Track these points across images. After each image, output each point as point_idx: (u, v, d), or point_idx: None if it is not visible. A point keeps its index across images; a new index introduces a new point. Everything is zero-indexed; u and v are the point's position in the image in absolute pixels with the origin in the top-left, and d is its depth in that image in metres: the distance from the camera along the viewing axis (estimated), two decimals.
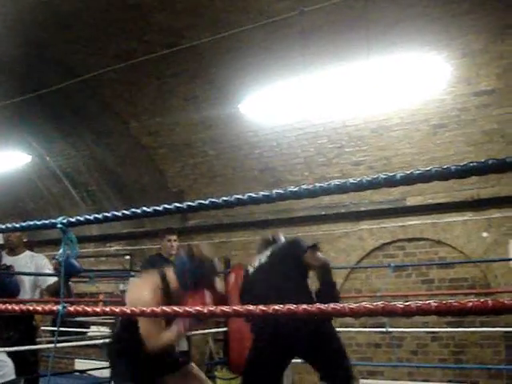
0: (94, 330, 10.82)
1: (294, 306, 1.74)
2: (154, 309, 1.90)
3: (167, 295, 3.55)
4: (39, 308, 2.41)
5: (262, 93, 6.81)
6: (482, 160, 1.62)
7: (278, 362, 4.38)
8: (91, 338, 9.41)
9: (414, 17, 6.71)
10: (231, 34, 7.07)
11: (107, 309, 2.09)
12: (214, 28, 7.31)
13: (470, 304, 1.60)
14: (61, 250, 2.17)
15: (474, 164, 1.64)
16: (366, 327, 8.06)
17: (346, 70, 6.36)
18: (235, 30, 7.02)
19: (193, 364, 3.98)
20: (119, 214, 2.04)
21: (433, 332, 7.63)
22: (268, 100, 6.76)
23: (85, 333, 10.59)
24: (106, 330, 10.74)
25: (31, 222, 2.38)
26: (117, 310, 2.10)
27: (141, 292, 3.48)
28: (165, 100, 8.87)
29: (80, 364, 10.59)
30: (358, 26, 6.66)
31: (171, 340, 3.52)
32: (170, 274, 3.64)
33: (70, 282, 10.21)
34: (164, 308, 1.90)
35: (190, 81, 8.42)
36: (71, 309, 2.10)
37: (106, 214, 2.08)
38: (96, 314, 2.19)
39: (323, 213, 8.69)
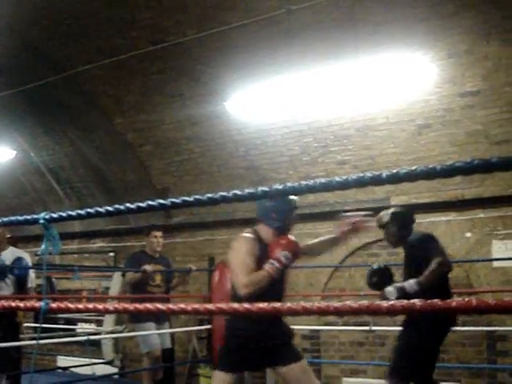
0: (80, 327, 10.79)
1: (279, 304, 1.73)
2: (126, 305, 1.89)
3: (261, 247, 3.79)
4: (21, 304, 2.38)
5: (247, 91, 6.80)
6: (467, 160, 1.63)
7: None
8: (74, 335, 9.37)
9: (401, 17, 6.73)
10: (217, 31, 7.06)
11: (90, 305, 2.07)
12: (200, 25, 7.30)
13: (454, 303, 1.60)
14: (43, 246, 2.14)
15: (460, 164, 1.64)
16: (349, 326, 8.08)
17: (332, 69, 6.37)
18: (222, 27, 7.01)
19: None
20: (102, 210, 2.03)
21: None
22: (254, 98, 6.76)
23: (67, 329, 10.55)
24: (92, 327, 10.72)
25: (13, 218, 2.35)
26: (100, 306, 2.09)
27: (236, 244, 3.79)
28: (150, 97, 8.83)
29: (63, 361, 10.54)
30: (346, 25, 6.67)
31: (260, 280, 3.59)
32: (259, 226, 3.93)
33: (53, 279, 10.17)
34: (138, 306, 1.89)
35: (175, 78, 8.39)
36: (54, 305, 2.08)
37: (89, 210, 2.06)
38: (79, 311, 2.17)
39: (308, 211, 8.68)
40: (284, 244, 3.72)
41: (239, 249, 3.77)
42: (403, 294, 4.30)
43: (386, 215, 5.02)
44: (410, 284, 4.37)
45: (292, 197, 3.95)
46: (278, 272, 3.65)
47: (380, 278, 5.01)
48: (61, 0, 7.36)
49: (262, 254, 3.76)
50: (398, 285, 4.46)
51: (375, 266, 5.26)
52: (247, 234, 3.88)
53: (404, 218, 4.99)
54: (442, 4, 6.51)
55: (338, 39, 6.92)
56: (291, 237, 3.86)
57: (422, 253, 4.63)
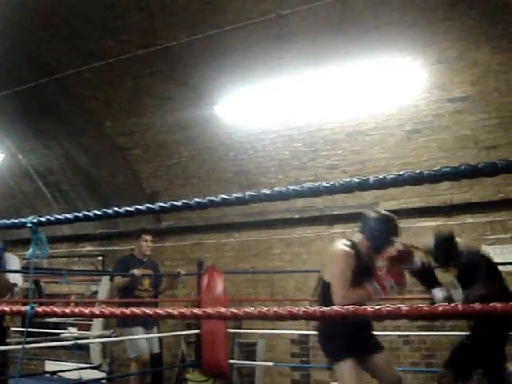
0: (68, 332, 10.73)
1: (265, 308, 1.73)
2: (113, 310, 1.88)
3: (359, 260, 4.05)
4: (7, 308, 2.36)
5: (237, 95, 6.80)
6: (455, 166, 1.63)
7: None
8: (61, 340, 9.32)
9: (391, 23, 6.75)
10: (208, 35, 7.06)
11: (76, 310, 2.06)
12: (190, 29, 7.29)
13: (441, 308, 1.61)
14: (30, 250, 2.13)
15: (447, 169, 1.65)
16: None
17: (322, 73, 6.38)
18: (212, 31, 7.01)
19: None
20: (90, 214, 2.02)
21: (404, 336, 7.66)
22: (244, 102, 6.76)
23: (55, 334, 10.49)
24: (80, 332, 10.65)
25: (1, 221, 2.34)
26: (86, 311, 2.08)
27: (337, 258, 4.02)
28: (140, 100, 8.81)
29: (50, 365, 10.47)
30: (336, 30, 6.69)
31: (359, 298, 3.79)
32: (359, 239, 4.14)
33: (41, 283, 10.12)
34: (124, 310, 1.88)
35: (165, 81, 8.38)
36: (40, 309, 2.07)
37: (77, 214, 2.05)
38: (65, 315, 2.16)
39: (297, 216, 8.70)
40: (396, 274, 3.96)
41: (341, 261, 4.01)
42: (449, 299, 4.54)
43: (429, 244, 5.16)
44: (458, 294, 4.60)
45: (397, 222, 4.16)
46: (378, 299, 3.86)
47: (424, 279, 5.15)
48: (50, 3, 7.33)
49: (358, 265, 4.05)
50: (446, 294, 4.69)
51: (416, 266, 5.32)
52: (347, 248, 4.07)
53: (448, 247, 5.09)
54: (432, 10, 6.53)
55: (328, 44, 6.94)
56: (404, 271, 4.16)
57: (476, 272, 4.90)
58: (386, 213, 4.18)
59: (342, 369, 4.06)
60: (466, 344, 5.10)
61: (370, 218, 4.14)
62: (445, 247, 5.03)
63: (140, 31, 7.66)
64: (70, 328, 10.89)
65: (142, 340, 6.63)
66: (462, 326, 7.09)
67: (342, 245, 4.08)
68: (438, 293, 4.69)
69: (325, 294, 4.09)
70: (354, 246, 4.11)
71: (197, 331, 7.78)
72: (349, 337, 3.99)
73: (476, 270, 4.81)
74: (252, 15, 6.84)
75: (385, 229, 4.07)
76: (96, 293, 10.52)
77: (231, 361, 8.05)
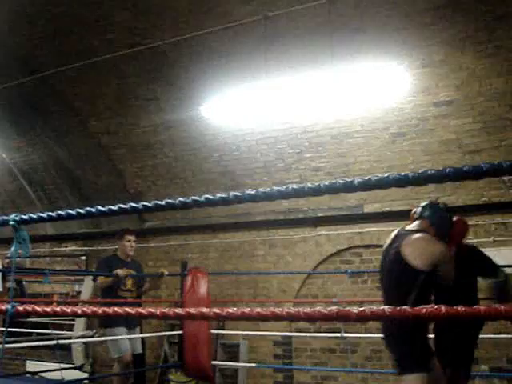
0: (51, 332, 10.65)
1: (249, 309, 1.72)
2: (95, 309, 1.86)
3: None
4: None
5: (223, 96, 6.79)
6: (439, 168, 1.63)
7: None
8: (42, 339, 9.25)
9: (377, 26, 6.78)
10: (194, 35, 7.05)
11: (57, 308, 2.04)
12: (176, 29, 7.28)
13: (424, 310, 1.61)
14: (12, 248, 2.11)
15: (432, 172, 1.65)
16: (320, 332, 8.09)
17: (308, 75, 6.38)
18: (198, 32, 7.00)
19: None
20: (73, 212, 2.01)
21: None
22: (229, 103, 6.74)
23: (37, 334, 10.41)
24: (63, 332, 10.58)
25: None
26: (67, 309, 2.06)
27: (442, 245, 4.08)
28: (125, 100, 8.77)
29: (32, 366, 10.39)
30: (322, 32, 6.70)
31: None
32: (424, 226, 4.26)
33: (23, 282, 10.05)
34: (107, 309, 1.87)
35: (151, 81, 8.35)
36: (21, 308, 2.05)
37: (60, 212, 2.04)
38: (46, 314, 2.14)
39: (281, 217, 8.71)
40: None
41: (446, 251, 4.15)
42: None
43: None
44: None
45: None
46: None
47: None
48: (36, 1, 7.29)
49: None
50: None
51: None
52: (431, 236, 4.19)
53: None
54: (418, 14, 6.56)
55: (314, 46, 6.95)
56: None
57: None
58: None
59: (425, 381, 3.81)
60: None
61: (435, 207, 4.39)
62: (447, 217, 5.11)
63: (126, 31, 7.63)
64: (51, 328, 10.81)
65: (124, 340, 6.60)
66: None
67: (426, 234, 4.17)
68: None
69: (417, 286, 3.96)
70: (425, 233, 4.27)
71: (180, 332, 7.76)
72: (427, 344, 4.02)
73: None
74: (238, 16, 6.84)
75: (448, 219, 4.40)
76: (80, 293, 10.46)
77: (214, 362, 8.04)
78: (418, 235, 4.09)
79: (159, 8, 7.23)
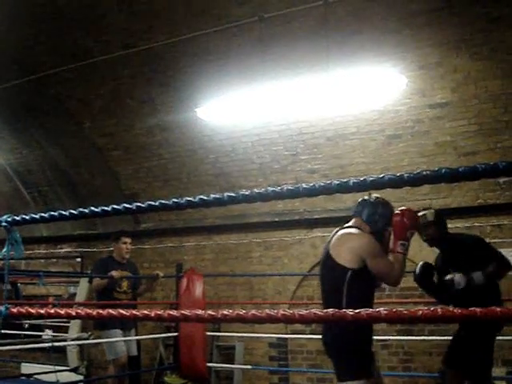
0: (46, 334, 10.62)
1: (244, 311, 1.71)
2: (89, 311, 1.85)
3: None
4: None
5: (219, 97, 6.78)
6: (435, 169, 1.63)
7: None
8: (37, 342, 9.22)
9: (372, 28, 6.78)
10: (189, 37, 7.04)
11: (52, 310, 2.03)
12: (172, 31, 7.27)
13: (420, 312, 1.60)
14: (4, 250, 2.10)
15: (427, 172, 1.64)
16: (316, 334, 8.07)
17: (304, 77, 6.38)
18: (194, 33, 6.99)
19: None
20: (66, 213, 1.99)
21: (382, 340, 7.67)
22: (225, 105, 6.73)
23: (32, 336, 10.38)
24: (58, 334, 10.55)
25: None
26: (62, 311, 2.05)
27: (366, 238, 3.84)
28: (120, 101, 8.76)
29: (27, 368, 10.34)
30: (318, 34, 6.69)
31: (403, 264, 3.79)
32: (358, 223, 4.01)
33: (18, 284, 10.00)
34: (101, 312, 1.86)
35: (146, 83, 8.34)
36: (14, 310, 2.03)
37: (53, 213, 2.02)
38: (41, 316, 2.12)
39: (277, 219, 8.70)
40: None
41: (374, 245, 3.84)
42: (469, 283, 4.44)
43: (430, 214, 5.11)
44: (478, 275, 4.52)
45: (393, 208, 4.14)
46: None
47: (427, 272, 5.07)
48: (31, 2, 7.27)
49: None
50: (465, 275, 4.60)
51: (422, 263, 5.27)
52: (360, 231, 3.95)
53: (444, 218, 5.11)
54: (413, 16, 6.57)
55: (310, 48, 6.95)
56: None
57: (482, 253, 4.82)
58: (379, 196, 4.16)
59: None
60: (461, 338, 5.03)
61: (365, 202, 4.11)
62: (443, 221, 5.06)
63: (121, 32, 7.61)
64: (46, 330, 10.78)
65: (119, 342, 6.58)
66: (440, 330, 7.15)
67: (353, 229, 3.98)
68: (461, 278, 4.63)
69: (346, 285, 3.77)
70: (361, 230, 4.01)
71: (175, 334, 7.75)
72: (370, 349, 3.85)
73: (482, 256, 4.80)
74: (234, 18, 6.83)
75: (384, 212, 4.06)
76: (75, 295, 10.43)
77: (210, 364, 8.02)
78: (343, 231, 3.94)
79: (155, 9, 7.22)
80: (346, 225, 4.06)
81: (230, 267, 9.11)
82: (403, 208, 4.00)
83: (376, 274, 3.76)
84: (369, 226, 4.01)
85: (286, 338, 8.40)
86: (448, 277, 4.72)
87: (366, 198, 4.14)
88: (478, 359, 4.83)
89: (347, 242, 3.84)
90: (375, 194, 4.14)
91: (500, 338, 5.45)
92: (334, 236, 3.95)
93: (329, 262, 3.84)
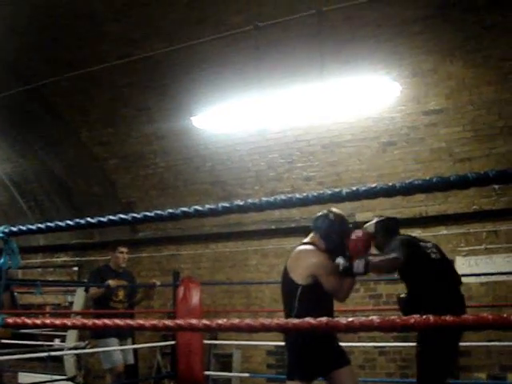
0: (44, 343, 10.58)
1: (238, 320, 1.73)
2: (85, 321, 1.87)
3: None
4: None
5: (215, 106, 6.80)
6: (428, 178, 1.65)
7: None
8: (34, 351, 9.19)
9: (367, 36, 6.82)
10: (185, 46, 7.06)
11: (47, 321, 2.04)
12: (168, 39, 7.29)
13: (413, 320, 1.61)
14: (1, 260, 2.11)
15: (419, 182, 1.66)
16: None
17: (299, 85, 6.40)
18: (189, 42, 7.01)
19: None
20: (63, 224, 2.01)
21: (380, 347, 7.68)
22: (221, 113, 6.75)
23: (30, 345, 10.35)
24: (55, 343, 10.53)
25: None
26: (58, 322, 2.06)
27: (318, 257, 4.00)
28: (117, 110, 8.78)
29: (24, 377, 10.31)
30: (313, 42, 6.71)
31: (351, 283, 3.97)
32: (315, 239, 4.13)
33: (15, 293, 9.99)
34: (97, 321, 1.87)
35: (142, 91, 8.36)
36: (10, 320, 2.04)
37: (49, 224, 2.04)
38: (37, 326, 2.13)
39: (273, 227, 8.70)
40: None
41: (326, 263, 4.00)
42: (348, 271, 4.21)
43: (370, 226, 5.00)
44: (358, 265, 4.23)
45: (350, 227, 4.21)
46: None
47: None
48: (27, 11, 7.29)
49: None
50: (346, 263, 4.30)
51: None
52: (315, 249, 4.09)
53: (387, 225, 4.91)
54: (407, 24, 6.61)
55: (304, 56, 6.97)
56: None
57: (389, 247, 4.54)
58: (338, 211, 4.20)
59: None
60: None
61: (322, 218, 4.16)
62: (385, 229, 4.78)
63: (118, 41, 7.64)
64: (44, 339, 10.75)
65: (116, 351, 6.58)
66: None
67: (308, 246, 4.09)
68: (339, 259, 4.32)
69: (297, 299, 4.00)
70: (315, 246, 4.12)
71: (172, 342, 7.74)
72: (315, 356, 4.08)
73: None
74: (229, 27, 6.86)
75: (340, 230, 4.10)
76: (72, 303, 10.41)
77: (207, 372, 8.01)
78: (300, 248, 4.10)
79: (151, 19, 7.25)
80: (304, 240, 4.20)
81: (227, 275, 9.12)
82: (358, 232, 4.06)
83: (326, 291, 3.94)
84: (325, 243, 4.11)
85: (284, 346, 8.39)
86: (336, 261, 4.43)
87: (324, 213, 4.20)
88: (425, 369, 4.76)
89: (301, 260, 4.03)
90: (335, 210, 4.20)
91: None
92: (293, 251, 4.14)
93: (286, 276, 4.07)
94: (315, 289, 3.91)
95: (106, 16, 7.34)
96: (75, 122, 9.32)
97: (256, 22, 6.44)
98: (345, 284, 3.93)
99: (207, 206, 1.76)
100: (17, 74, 8.61)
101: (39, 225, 2.09)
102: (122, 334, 6.67)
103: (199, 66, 7.69)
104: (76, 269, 10.96)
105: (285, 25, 6.67)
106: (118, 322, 1.85)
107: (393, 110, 7.30)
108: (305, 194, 1.70)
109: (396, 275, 4.69)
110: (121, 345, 6.67)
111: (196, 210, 1.76)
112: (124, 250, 7.01)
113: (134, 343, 7.23)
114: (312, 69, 6.62)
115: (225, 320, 1.74)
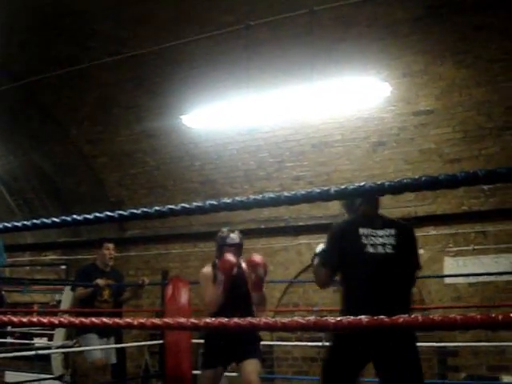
0: (34, 342, 10.55)
1: (226, 319, 1.71)
2: (72, 319, 1.85)
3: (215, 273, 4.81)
4: None
5: (204, 105, 6.78)
6: (415, 177, 1.64)
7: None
8: (21, 350, 9.15)
9: (357, 36, 6.83)
10: (175, 44, 7.04)
11: (34, 319, 2.02)
12: (158, 38, 7.27)
13: (401, 320, 1.61)
14: None
15: (408, 180, 1.65)
16: (302, 341, 8.07)
17: (289, 84, 6.39)
18: (180, 40, 7.00)
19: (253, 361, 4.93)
20: (49, 221, 1.98)
21: None
22: (211, 112, 6.74)
23: (18, 344, 10.31)
24: (44, 342, 10.48)
25: None
26: (44, 320, 2.04)
27: (202, 271, 5.06)
28: (106, 108, 8.75)
29: (10, 376, 10.25)
30: (303, 41, 6.71)
31: (218, 297, 4.66)
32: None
33: (2, 292, 9.93)
34: (84, 320, 1.85)
35: (132, 90, 8.34)
36: None
37: (35, 221, 2.01)
38: (23, 325, 2.11)
39: (262, 226, 8.70)
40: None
41: (204, 277, 5.00)
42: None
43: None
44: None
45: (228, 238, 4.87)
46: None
47: None
48: (16, 9, 7.25)
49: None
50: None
51: None
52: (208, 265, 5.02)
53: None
54: (398, 25, 6.62)
55: (295, 56, 6.97)
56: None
57: None
58: (222, 230, 4.95)
59: (201, 377, 5.13)
60: None
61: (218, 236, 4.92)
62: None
63: (107, 39, 7.61)
64: (35, 338, 10.72)
65: (94, 345, 6.49)
66: (426, 336, 7.17)
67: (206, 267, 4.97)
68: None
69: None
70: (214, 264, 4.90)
71: (161, 341, 7.71)
72: (215, 349, 4.85)
73: None
74: (219, 26, 6.84)
75: (218, 247, 4.89)
76: (60, 302, 10.37)
77: (195, 371, 7.99)
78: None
79: (141, 17, 7.23)
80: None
81: None
82: (225, 257, 4.66)
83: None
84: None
85: (272, 345, 8.39)
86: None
87: (223, 231, 4.94)
88: None
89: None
90: (226, 230, 4.93)
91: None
92: None
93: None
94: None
95: (95, 14, 7.31)
96: (64, 119, 9.28)
97: (247, 21, 6.44)
98: (213, 298, 4.73)
99: (194, 204, 1.74)
100: (6, 71, 8.55)
101: (25, 222, 2.06)
102: (102, 332, 6.57)
103: (189, 65, 7.67)
104: (64, 267, 10.90)
105: (276, 24, 6.67)
106: (105, 320, 1.83)
107: (383, 111, 7.31)
108: (293, 193, 1.68)
109: None
110: (100, 341, 6.57)
111: (183, 208, 1.74)
112: (110, 246, 6.86)
113: (118, 342, 7.17)
114: (302, 68, 6.62)
115: (213, 319, 1.73)
